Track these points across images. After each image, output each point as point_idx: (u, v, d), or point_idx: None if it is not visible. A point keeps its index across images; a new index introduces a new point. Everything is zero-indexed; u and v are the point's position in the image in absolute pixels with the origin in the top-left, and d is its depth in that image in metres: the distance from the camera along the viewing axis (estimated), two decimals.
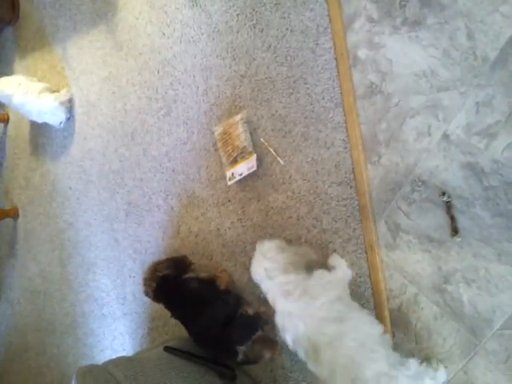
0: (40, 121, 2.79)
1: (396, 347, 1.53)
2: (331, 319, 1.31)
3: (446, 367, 1.45)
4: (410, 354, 1.51)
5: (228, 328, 1.68)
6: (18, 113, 2.93)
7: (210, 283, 1.86)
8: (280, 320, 1.39)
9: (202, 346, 1.79)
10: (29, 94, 2.65)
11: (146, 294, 1.89)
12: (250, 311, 1.75)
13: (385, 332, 1.37)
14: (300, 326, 1.32)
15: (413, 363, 1.33)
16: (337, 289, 1.41)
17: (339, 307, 1.35)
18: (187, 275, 1.90)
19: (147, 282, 1.87)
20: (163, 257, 2.25)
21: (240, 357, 1.66)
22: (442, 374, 1.42)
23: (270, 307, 1.46)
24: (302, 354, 1.36)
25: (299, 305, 1.35)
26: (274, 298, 1.43)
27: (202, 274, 1.92)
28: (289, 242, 1.76)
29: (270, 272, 1.46)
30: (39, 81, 2.82)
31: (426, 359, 1.48)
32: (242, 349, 1.66)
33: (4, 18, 3.08)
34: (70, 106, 2.72)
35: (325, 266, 1.63)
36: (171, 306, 1.86)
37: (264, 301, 1.49)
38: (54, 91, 2.75)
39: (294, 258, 1.53)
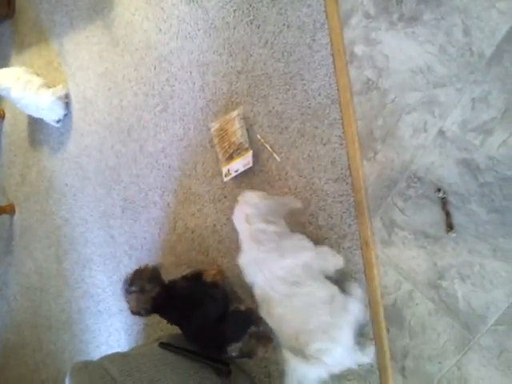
0: (37, 116, 2.78)
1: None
2: (288, 281, 1.35)
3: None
4: (404, 350, 1.52)
5: (221, 325, 1.68)
6: (15, 108, 2.93)
7: (196, 278, 1.83)
8: (243, 262, 1.44)
9: (198, 345, 1.77)
10: (27, 89, 2.64)
11: (139, 313, 1.75)
12: (242, 307, 1.74)
13: (338, 294, 1.42)
14: (258, 276, 1.38)
15: (352, 303, 1.40)
16: (308, 257, 1.43)
17: (300, 273, 1.37)
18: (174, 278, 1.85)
19: (140, 306, 1.72)
20: (159, 254, 2.26)
21: (235, 353, 1.66)
22: None
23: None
24: (256, 297, 1.44)
25: (265, 257, 1.39)
26: (245, 240, 1.45)
27: (188, 271, 1.89)
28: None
29: (250, 217, 1.45)
30: (37, 75, 2.81)
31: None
32: (237, 345, 1.66)
33: (0, 12, 3.06)
34: (67, 101, 2.71)
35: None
36: (165, 313, 1.80)
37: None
38: (50, 87, 2.75)
39: (276, 207, 1.52)
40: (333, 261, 1.56)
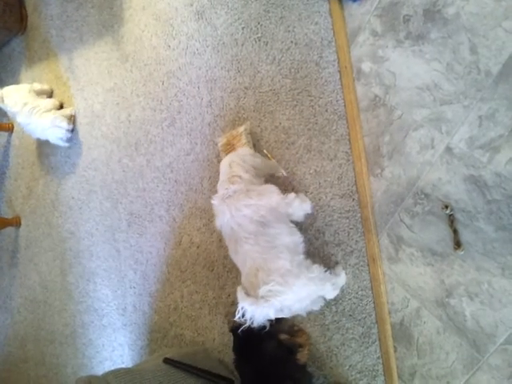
0: (44, 137, 2.79)
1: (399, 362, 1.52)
2: (254, 220, 1.41)
3: (344, 270, 1.63)
4: (411, 369, 1.50)
5: None
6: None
7: (288, 351, 1.61)
8: (215, 203, 1.51)
9: None
10: (32, 115, 2.65)
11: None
12: None
13: (302, 242, 1.47)
14: (226, 215, 1.44)
15: (316, 268, 1.43)
16: (274, 201, 1.46)
17: (265, 214, 1.42)
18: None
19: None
20: (164, 268, 2.25)
21: None
22: (342, 280, 1.61)
23: None
24: (226, 240, 1.51)
25: (233, 195, 1.46)
26: (222, 182, 1.56)
27: (283, 336, 1.63)
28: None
29: (233, 164, 1.58)
30: (46, 95, 2.85)
31: (331, 267, 1.62)
32: None
33: (12, 28, 3.12)
34: (71, 121, 2.73)
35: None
36: (239, 362, 1.63)
37: None
38: (60, 105, 2.80)
39: (261, 165, 1.64)
40: (301, 206, 1.56)
